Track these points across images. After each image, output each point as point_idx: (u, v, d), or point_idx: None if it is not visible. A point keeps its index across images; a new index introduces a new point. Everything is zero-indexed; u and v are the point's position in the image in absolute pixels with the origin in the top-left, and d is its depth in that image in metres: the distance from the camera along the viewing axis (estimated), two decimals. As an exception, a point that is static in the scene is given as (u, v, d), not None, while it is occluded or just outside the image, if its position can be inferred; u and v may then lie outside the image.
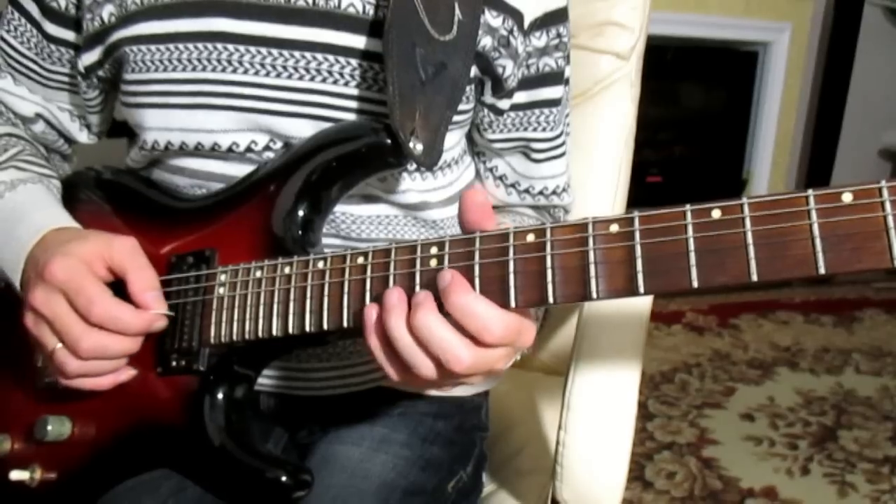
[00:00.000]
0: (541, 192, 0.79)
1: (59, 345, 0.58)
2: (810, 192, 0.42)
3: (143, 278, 0.60)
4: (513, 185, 0.79)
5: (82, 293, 0.57)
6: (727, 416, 1.97)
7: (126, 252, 0.60)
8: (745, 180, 3.23)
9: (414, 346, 0.49)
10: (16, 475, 0.64)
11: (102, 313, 0.57)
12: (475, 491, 0.82)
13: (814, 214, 0.42)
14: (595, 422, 0.75)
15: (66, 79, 0.73)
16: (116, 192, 0.73)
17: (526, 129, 0.74)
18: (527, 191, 0.79)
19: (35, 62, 0.72)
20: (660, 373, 2.18)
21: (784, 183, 3.29)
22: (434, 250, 0.51)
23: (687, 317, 2.56)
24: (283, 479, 0.58)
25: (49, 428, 0.63)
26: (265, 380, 0.74)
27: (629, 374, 0.75)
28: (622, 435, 0.74)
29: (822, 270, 0.41)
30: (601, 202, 0.99)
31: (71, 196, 0.73)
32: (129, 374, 0.62)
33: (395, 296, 0.49)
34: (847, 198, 0.41)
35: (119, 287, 0.60)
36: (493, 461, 0.88)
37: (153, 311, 0.59)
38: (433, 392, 0.77)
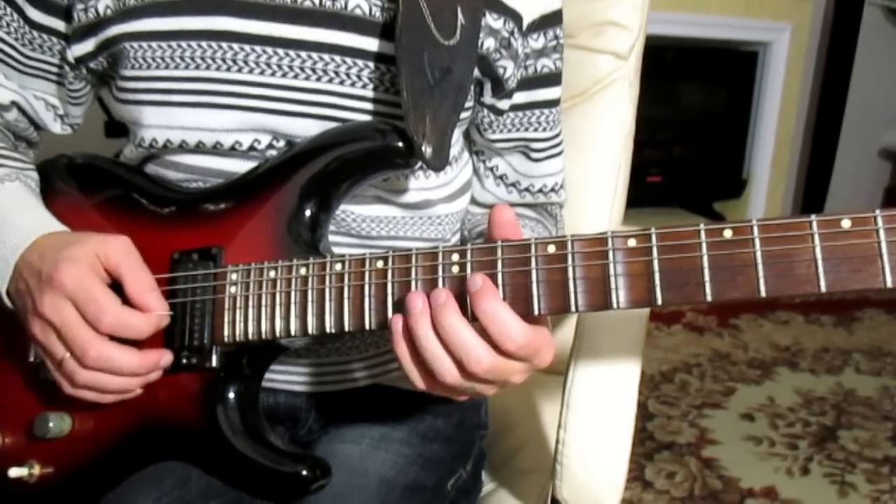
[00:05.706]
0: (540, 190, 0.80)
1: (68, 354, 0.58)
2: (813, 217, 0.46)
3: (140, 279, 0.60)
4: (513, 185, 0.80)
5: (92, 302, 0.57)
6: (727, 416, 1.96)
7: (121, 252, 0.60)
8: (745, 180, 3.24)
9: (439, 348, 0.50)
10: (14, 472, 0.64)
11: (113, 321, 0.57)
12: (475, 489, 0.82)
13: (816, 238, 0.45)
14: (595, 420, 0.75)
15: (45, 66, 0.71)
16: (104, 183, 0.71)
17: (527, 130, 0.75)
18: (527, 189, 0.80)
19: (13, 47, 0.69)
20: (660, 373, 2.18)
21: (784, 183, 3.29)
22: (456, 257, 0.53)
23: (687, 317, 2.56)
24: (304, 473, 0.60)
25: (50, 425, 0.63)
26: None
27: (629, 372, 0.75)
28: (622, 434, 0.75)
29: (823, 289, 0.45)
30: (600, 202, 0.99)
31: (50, 187, 0.71)
32: (135, 393, 0.61)
33: (419, 301, 0.51)
34: (846, 224, 0.45)
35: (115, 287, 0.59)
36: (493, 460, 0.88)
37: (157, 312, 0.59)
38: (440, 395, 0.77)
